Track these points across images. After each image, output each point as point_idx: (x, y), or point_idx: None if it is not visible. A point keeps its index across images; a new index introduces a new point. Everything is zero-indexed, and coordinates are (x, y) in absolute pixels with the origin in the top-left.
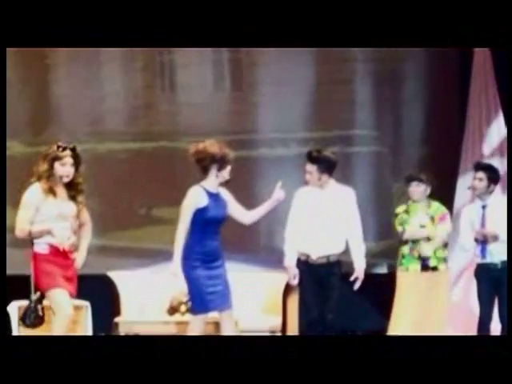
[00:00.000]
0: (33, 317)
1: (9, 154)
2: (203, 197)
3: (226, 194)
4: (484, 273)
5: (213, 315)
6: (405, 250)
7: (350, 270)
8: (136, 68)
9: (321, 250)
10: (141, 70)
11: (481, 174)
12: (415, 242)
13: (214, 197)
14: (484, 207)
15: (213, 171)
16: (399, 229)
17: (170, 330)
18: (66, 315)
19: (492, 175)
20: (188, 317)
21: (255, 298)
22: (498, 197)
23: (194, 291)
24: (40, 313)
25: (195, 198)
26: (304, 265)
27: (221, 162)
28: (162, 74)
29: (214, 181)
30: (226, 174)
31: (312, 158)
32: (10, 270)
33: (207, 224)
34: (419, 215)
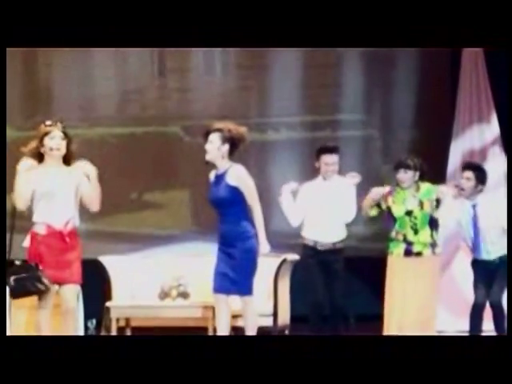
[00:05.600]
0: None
1: None
2: None
3: None
4: (480, 266)
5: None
6: (392, 233)
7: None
8: (126, 53)
9: (327, 237)
10: (131, 55)
11: (469, 174)
12: (402, 226)
13: None
14: (474, 206)
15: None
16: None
17: (161, 315)
18: (49, 306)
19: (480, 175)
20: (179, 301)
21: None
22: (488, 195)
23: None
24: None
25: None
26: (311, 250)
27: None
28: (152, 59)
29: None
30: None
31: (332, 149)
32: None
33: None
34: (407, 201)
